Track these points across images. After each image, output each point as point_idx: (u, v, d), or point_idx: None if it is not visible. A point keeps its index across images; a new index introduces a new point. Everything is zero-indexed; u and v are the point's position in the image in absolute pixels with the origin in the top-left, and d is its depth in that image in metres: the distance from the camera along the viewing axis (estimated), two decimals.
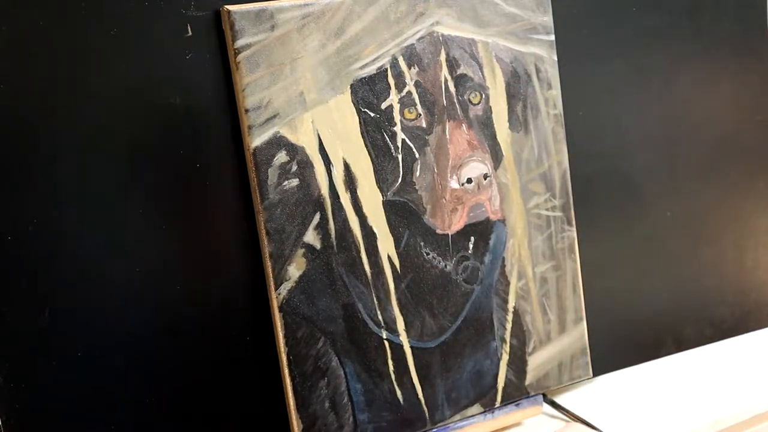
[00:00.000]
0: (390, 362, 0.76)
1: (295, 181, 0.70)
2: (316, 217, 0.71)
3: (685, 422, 0.83)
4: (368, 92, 0.72)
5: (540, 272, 0.82)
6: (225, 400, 0.73)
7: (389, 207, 0.74)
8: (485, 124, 0.77)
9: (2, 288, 0.65)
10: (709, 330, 0.96)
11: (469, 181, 0.76)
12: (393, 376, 0.76)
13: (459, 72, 0.76)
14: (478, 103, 0.77)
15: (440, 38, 0.75)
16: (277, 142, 0.69)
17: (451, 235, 0.77)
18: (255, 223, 0.71)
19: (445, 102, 0.75)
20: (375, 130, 0.73)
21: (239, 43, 0.67)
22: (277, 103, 0.69)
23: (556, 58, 0.80)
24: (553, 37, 0.80)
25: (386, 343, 0.75)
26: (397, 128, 0.74)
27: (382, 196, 0.74)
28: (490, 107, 0.78)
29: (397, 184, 0.74)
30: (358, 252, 0.73)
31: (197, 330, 0.72)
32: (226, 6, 0.67)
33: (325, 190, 0.72)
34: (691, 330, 0.94)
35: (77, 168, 0.66)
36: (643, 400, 0.84)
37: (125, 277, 0.69)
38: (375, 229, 0.74)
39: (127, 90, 0.67)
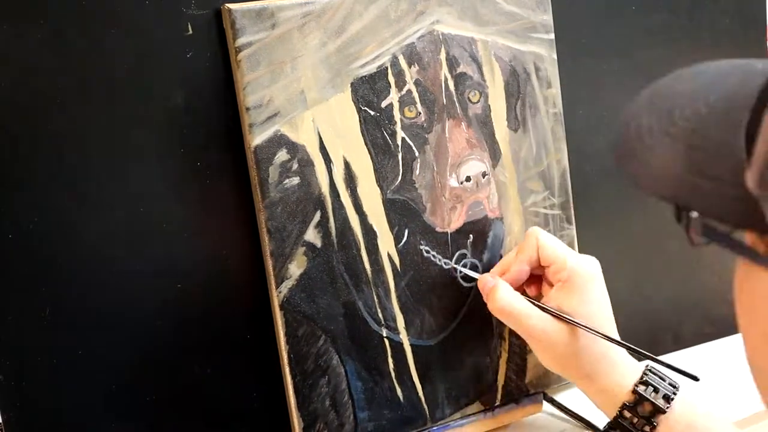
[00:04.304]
0: (390, 360, 0.76)
1: (295, 180, 0.70)
2: (317, 216, 0.71)
3: None
4: (368, 91, 0.72)
5: None
6: (225, 398, 0.73)
7: (389, 205, 0.74)
8: (484, 123, 0.77)
9: (3, 286, 0.65)
10: (709, 328, 0.96)
11: (468, 179, 0.76)
12: (393, 375, 0.76)
13: (459, 71, 0.76)
14: (477, 102, 0.77)
15: (440, 37, 0.75)
16: (278, 141, 0.70)
17: (450, 233, 0.77)
18: (255, 222, 0.71)
19: (444, 100, 0.75)
20: (375, 129, 0.73)
21: (240, 41, 0.67)
22: (277, 102, 0.69)
23: (555, 57, 0.80)
24: (552, 36, 0.80)
25: (386, 341, 0.75)
26: (397, 127, 0.74)
27: (382, 194, 0.74)
28: (489, 106, 0.78)
29: (397, 182, 0.74)
30: (359, 250, 0.73)
31: (197, 328, 0.72)
32: (227, 4, 0.67)
33: (325, 189, 0.72)
34: (690, 328, 0.95)
35: (78, 166, 0.66)
36: None
37: (126, 275, 0.69)
38: (375, 227, 0.74)
39: (128, 88, 0.67)
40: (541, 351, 0.74)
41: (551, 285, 0.75)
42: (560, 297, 0.73)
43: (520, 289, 0.76)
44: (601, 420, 0.83)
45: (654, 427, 0.70)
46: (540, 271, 0.76)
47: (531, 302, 0.73)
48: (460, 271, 0.77)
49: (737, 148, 0.42)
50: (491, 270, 0.78)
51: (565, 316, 0.72)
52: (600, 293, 0.73)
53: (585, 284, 0.73)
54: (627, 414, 0.71)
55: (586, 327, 0.71)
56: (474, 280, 0.78)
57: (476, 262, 0.78)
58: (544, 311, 0.72)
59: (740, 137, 0.42)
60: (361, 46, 0.72)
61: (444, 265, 0.77)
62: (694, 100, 0.46)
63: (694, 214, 0.44)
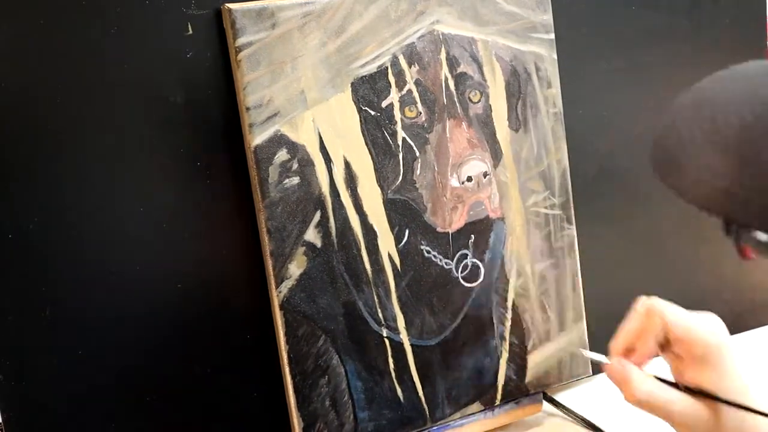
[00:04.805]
0: (390, 360, 0.76)
1: (295, 179, 0.70)
2: (317, 216, 0.71)
3: None
4: (369, 90, 0.72)
5: (539, 270, 0.82)
6: (225, 398, 0.73)
7: (390, 205, 0.74)
8: (485, 123, 0.77)
9: (3, 286, 0.65)
10: None
11: (469, 179, 0.76)
12: (393, 374, 0.76)
13: (459, 70, 0.76)
14: (478, 102, 0.77)
15: (440, 37, 0.75)
16: (278, 141, 0.70)
17: (452, 234, 0.77)
18: (256, 222, 0.71)
19: (445, 100, 0.75)
20: (375, 129, 0.73)
21: (240, 41, 0.67)
22: (277, 102, 0.69)
23: (555, 57, 0.80)
24: (552, 36, 0.80)
25: (386, 341, 0.75)
26: (398, 126, 0.74)
27: (383, 194, 0.74)
28: (490, 105, 0.78)
29: (398, 182, 0.74)
30: (359, 250, 0.73)
31: (197, 328, 0.72)
32: (227, 4, 0.67)
33: (325, 189, 0.72)
34: None
35: (78, 166, 0.66)
36: None
37: (126, 275, 0.69)
38: (375, 227, 0.74)
39: (128, 88, 0.67)
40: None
41: (677, 356, 0.68)
42: (697, 373, 0.66)
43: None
44: (601, 421, 0.83)
45: None
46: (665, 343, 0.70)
47: (667, 384, 0.67)
48: (588, 357, 0.73)
49: None
50: (613, 348, 0.70)
51: (711, 394, 0.65)
52: (736, 362, 0.67)
53: (721, 356, 0.66)
54: None
55: (734, 404, 0.65)
56: (475, 281, 0.78)
57: (478, 262, 0.78)
58: (687, 392, 0.66)
59: None
60: (361, 46, 0.72)
61: (445, 266, 0.77)
62: (738, 107, 0.43)
63: (754, 232, 0.40)
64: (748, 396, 0.66)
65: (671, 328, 0.67)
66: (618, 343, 0.70)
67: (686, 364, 0.67)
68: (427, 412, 0.78)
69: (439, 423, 0.78)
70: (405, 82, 0.73)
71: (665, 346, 0.69)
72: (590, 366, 0.85)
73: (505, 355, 0.81)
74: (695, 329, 0.67)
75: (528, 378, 0.82)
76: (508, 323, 0.81)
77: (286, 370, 0.72)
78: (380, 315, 0.75)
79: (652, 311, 0.69)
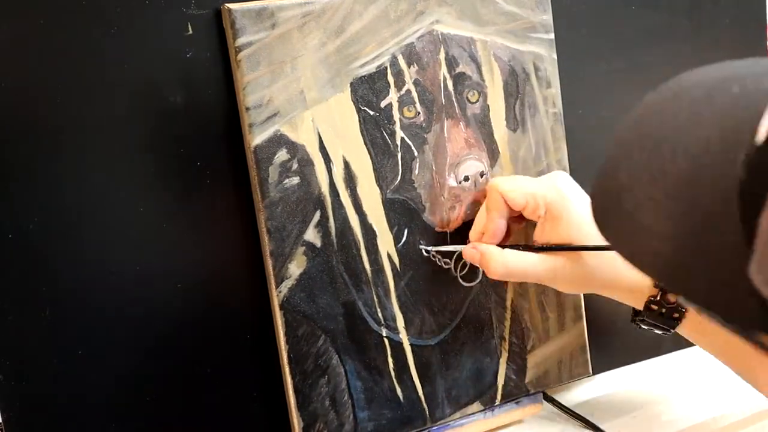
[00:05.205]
0: (390, 360, 0.76)
1: (295, 179, 0.71)
2: (317, 215, 0.71)
3: (685, 420, 0.83)
4: (368, 90, 0.72)
5: None
6: (225, 398, 0.73)
7: (389, 205, 0.74)
8: (482, 123, 0.77)
9: (3, 286, 0.65)
10: None
11: (466, 179, 0.76)
12: (393, 374, 0.76)
13: (458, 70, 0.76)
14: (476, 102, 0.77)
15: (440, 37, 0.75)
16: (278, 140, 0.70)
17: (450, 233, 0.77)
18: (255, 222, 0.71)
19: (443, 100, 0.75)
20: (374, 129, 0.73)
21: (240, 41, 0.68)
22: (277, 102, 0.69)
23: (555, 57, 0.80)
24: (552, 36, 0.80)
25: (386, 340, 0.75)
26: (397, 126, 0.74)
27: (382, 194, 0.74)
28: (488, 105, 0.78)
29: (396, 182, 0.74)
30: (358, 250, 0.73)
31: (197, 328, 0.72)
32: (227, 4, 0.67)
33: (325, 188, 0.72)
34: None
35: (78, 167, 0.66)
36: (643, 398, 0.85)
37: (126, 275, 0.69)
38: (375, 227, 0.74)
39: (127, 88, 0.67)
40: (558, 285, 0.73)
41: (533, 220, 0.73)
42: (547, 231, 0.71)
43: (506, 235, 0.75)
44: (601, 421, 0.84)
45: (683, 314, 0.70)
46: (517, 214, 0.75)
47: (522, 250, 0.72)
48: (432, 254, 0.76)
49: (731, 225, 0.30)
50: (470, 237, 0.76)
51: (558, 247, 0.70)
52: (582, 206, 0.71)
53: (564, 208, 0.71)
54: (654, 307, 0.70)
55: (584, 247, 0.69)
56: (474, 280, 0.78)
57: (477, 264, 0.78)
58: (539, 251, 0.71)
59: (733, 210, 0.30)
60: (360, 46, 0.72)
61: (444, 266, 0.77)
62: (674, 149, 0.34)
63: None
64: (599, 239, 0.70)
65: (509, 199, 0.72)
66: (473, 230, 0.75)
67: (539, 225, 0.72)
68: (427, 412, 0.78)
69: (439, 423, 0.79)
70: (404, 82, 0.73)
71: (521, 218, 0.74)
72: (590, 366, 0.85)
73: (504, 355, 0.81)
74: (532, 192, 0.71)
75: (528, 378, 0.82)
76: (508, 323, 0.81)
77: (286, 370, 0.72)
78: (380, 315, 0.75)
79: (491, 188, 0.73)
